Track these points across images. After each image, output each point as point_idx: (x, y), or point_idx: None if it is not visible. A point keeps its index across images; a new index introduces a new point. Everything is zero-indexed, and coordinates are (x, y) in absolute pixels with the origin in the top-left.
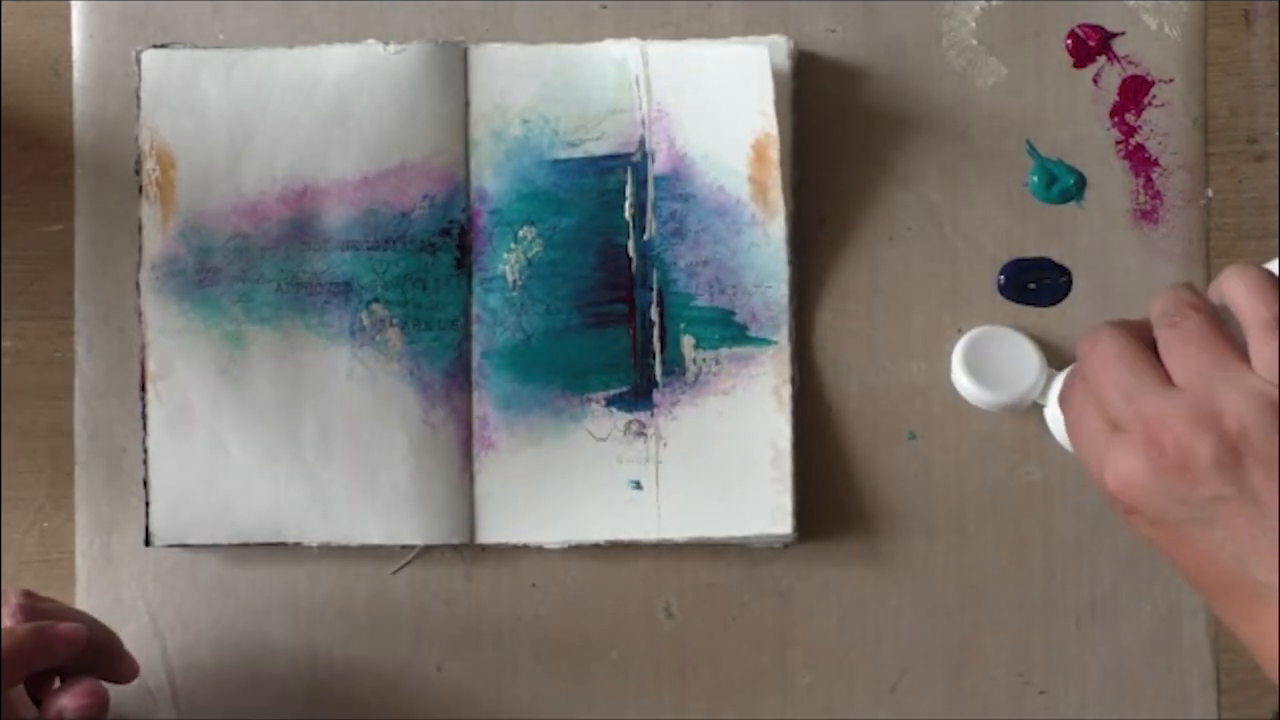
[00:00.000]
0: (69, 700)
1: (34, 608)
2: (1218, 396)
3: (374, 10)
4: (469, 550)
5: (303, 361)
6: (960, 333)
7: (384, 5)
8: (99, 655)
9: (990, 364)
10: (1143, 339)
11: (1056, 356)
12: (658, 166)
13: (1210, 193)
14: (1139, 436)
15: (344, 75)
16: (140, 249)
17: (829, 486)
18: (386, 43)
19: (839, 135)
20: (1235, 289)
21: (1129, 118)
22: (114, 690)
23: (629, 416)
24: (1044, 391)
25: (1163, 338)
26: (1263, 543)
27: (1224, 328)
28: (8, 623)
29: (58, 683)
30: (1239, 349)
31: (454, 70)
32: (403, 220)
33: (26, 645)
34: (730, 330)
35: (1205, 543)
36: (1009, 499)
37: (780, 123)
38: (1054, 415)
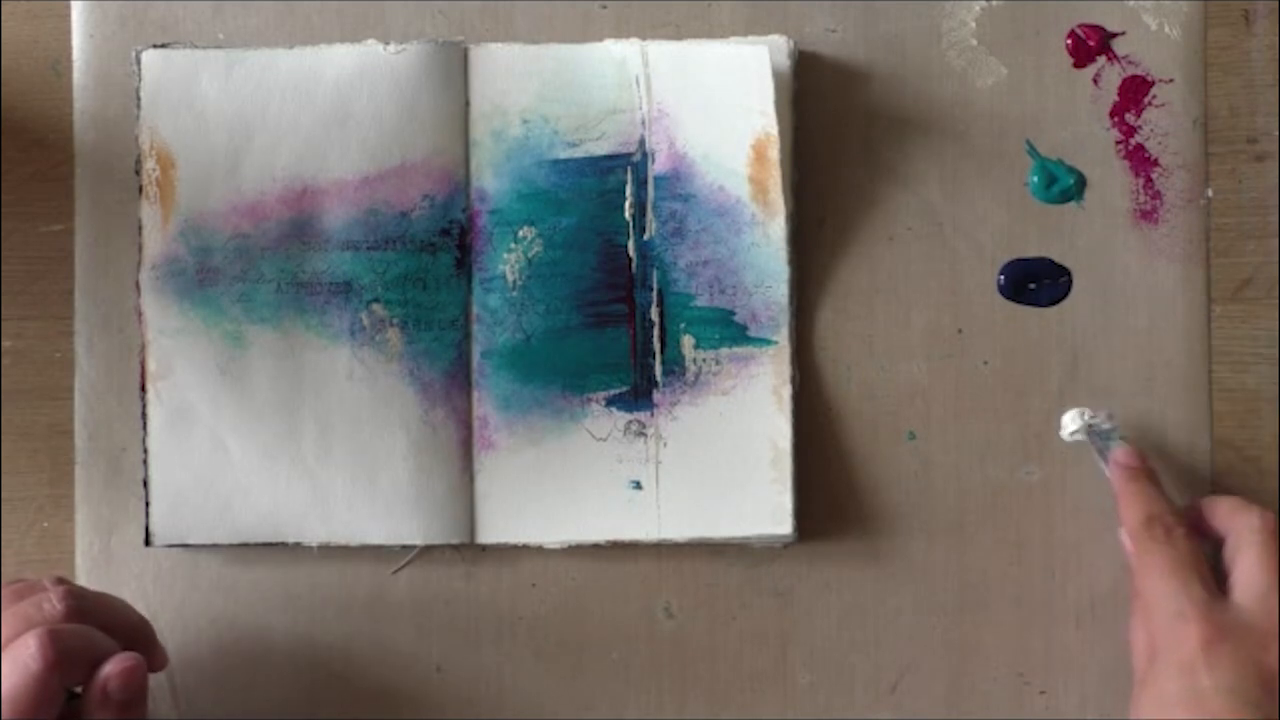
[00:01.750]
0: (111, 668)
1: (75, 594)
2: None
3: (374, 10)
4: (469, 550)
5: (303, 361)
6: (960, 333)
7: (384, 5)
8: (135, 643)
9: None
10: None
11: (1058, 353)
12: (658, 166)
13: (1210, 193)
14: None
15: (344, 75)
16: (140, 249)
17: (829, 486)
18: (386, 43)
19: (839, 135)
20: None
21: (1129, 118)
22: None
23: (629, 416)
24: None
25: None
26: None
27: None
28: (55, 608)
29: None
30: None
31: (454, 70)
32: (403, 220)
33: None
34: (730, 330)
35: None
36: (1009, 499)
37: (780, 123)
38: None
